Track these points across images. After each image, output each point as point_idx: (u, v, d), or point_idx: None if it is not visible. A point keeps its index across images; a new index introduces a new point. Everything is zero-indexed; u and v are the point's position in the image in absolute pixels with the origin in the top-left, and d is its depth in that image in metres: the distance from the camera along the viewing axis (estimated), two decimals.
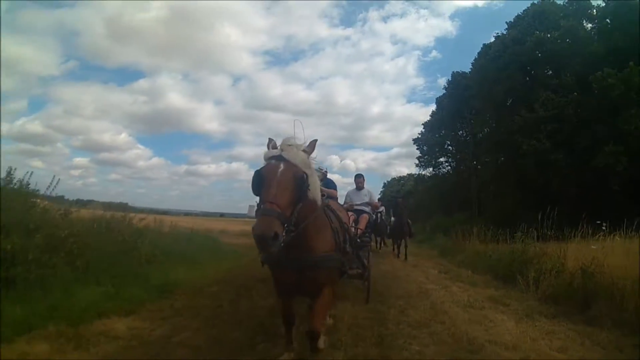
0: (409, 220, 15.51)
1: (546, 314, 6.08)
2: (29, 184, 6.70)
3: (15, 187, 6.42)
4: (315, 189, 3.11)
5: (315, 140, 3.14)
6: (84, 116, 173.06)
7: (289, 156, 2.81)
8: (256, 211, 2.64)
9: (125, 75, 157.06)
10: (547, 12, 24.66)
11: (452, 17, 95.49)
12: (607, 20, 22.55)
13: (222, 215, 75.54)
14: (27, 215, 5.60)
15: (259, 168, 2.84)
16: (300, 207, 2.75)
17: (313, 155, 3.11)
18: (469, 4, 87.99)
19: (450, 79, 35.64)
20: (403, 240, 14.64)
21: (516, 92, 23.62)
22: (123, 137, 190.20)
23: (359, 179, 7.89)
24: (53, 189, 6.90)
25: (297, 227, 2.78)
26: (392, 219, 16.57)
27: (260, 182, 2.72)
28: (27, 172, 6.73)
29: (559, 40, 22.75)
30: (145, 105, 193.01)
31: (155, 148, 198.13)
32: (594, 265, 6.50)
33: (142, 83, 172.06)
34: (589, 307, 6.01)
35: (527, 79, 24.16)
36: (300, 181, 2.75)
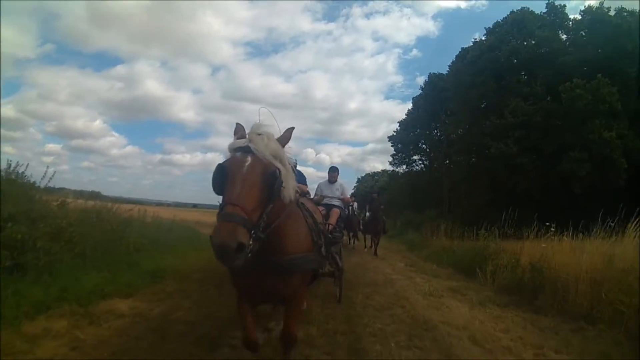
0: (384, 217, 15.64)
1: (498, 303, 6.80)
2: (26, 175, 7.13)
3: (14, 178, 6.83)
4: (289, 188, 2.64)
5: (292, 129, 2.77)
6: (58, 101, 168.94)
7: (258, 148, 2.43)
8: (217, 214, 2.23)
9: (103, 61, 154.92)
10: (525, 21, 25.34)
11: (435, 17, 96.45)
12: (582, 32, 23.52)
13: (195, 206, 74.19)
14: (30, 206, 6.06)
15: (221, 162, 2.45)
16: (271, 209, 2.38)
17: (288, 146, 2.72)
18: (452, 4, 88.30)
19: (427, 80, 36.20)
20: (377, 236, 14.69)
21: (489, 97, 24.29)
22: (97, 123, 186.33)
23: (332, 172, 7.71)
24: (49, 181, 7.20)
25: (267, 232, 2.41)
26: (367, 214, 16.07)
27: (222, 178, 2.35)
28: (23, 164, 7.04)
29: (534, 50, 23.54)
30: (121, 91, 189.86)
31: (129, 136, 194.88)
32: (542, 262, 7.24)
33: (120, 69, 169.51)
34: (536, 298, 6.75)
35: (501, 84, 24.75)
36: (271, 178, 2.36)
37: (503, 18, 27.29)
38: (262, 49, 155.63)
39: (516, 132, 20.82)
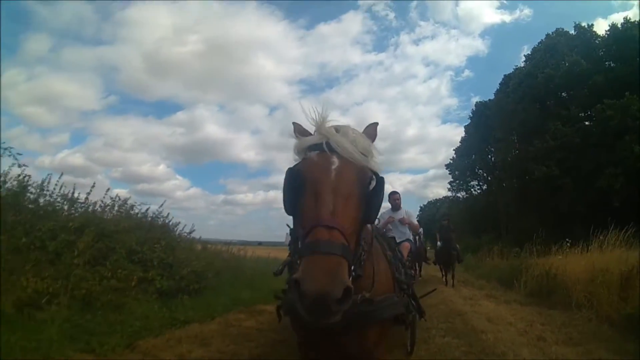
0: (457, 245, 14.19)
1: (521, 302, 9.18)
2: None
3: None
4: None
5: (375, 124, 2.05)
6: (123, 148, 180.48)
7: (345, 145, 1.66)
8: (299, 245, 1.53)
9: (164, 108, 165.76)
10: (557, 45, 26.89)
11: (482, 35, 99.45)
12: (612, 49, 24.05)
13: (259, 243, 75.39)
14: (190, 252, 9.16)
15: (292, 166, 1.75)
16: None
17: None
18: (497, 20, 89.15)
19: (474, 109, 37.82)
20: (451, 267, 13.47)
21: (532, 122, 25.35)
22: (161, 168, 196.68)
23: (394, 195, 6.76)
24: (191, 233, 10.12)
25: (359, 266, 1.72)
26: (439, 243, 14.64)
27: (299, 189, 1.61)
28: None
29: (568, 73, 24.41)
30: (183, 136, 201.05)
31: (193, 178, 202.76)
32: (557, 270, 9.57)
33: (180, 115, 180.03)
34: (550, 297, 9.07)
35: (543, 108, 26.01)
36: (367, 188, 1.68)
37: (538, 43, 29.18)
38: (316, 85, 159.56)
39: (557, 154, 22.06)
